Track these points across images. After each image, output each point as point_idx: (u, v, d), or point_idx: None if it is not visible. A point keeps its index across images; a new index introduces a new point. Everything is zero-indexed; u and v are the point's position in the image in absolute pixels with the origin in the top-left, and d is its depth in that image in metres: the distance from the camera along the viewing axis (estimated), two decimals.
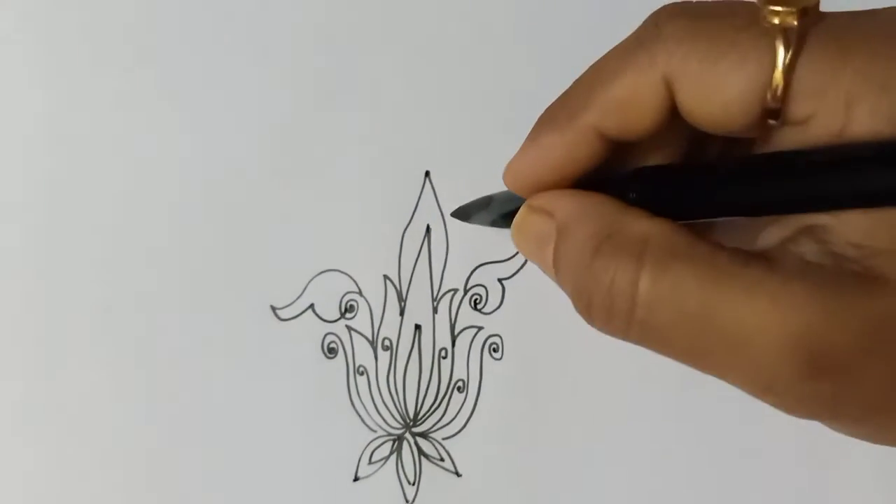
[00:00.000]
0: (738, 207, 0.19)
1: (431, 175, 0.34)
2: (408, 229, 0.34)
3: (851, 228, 0.17)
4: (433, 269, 0.34)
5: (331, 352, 0.34)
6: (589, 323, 0.20)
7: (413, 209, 0.34)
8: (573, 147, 0.20)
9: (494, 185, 0.32)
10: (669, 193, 0.20)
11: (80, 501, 0.33)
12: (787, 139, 0.18)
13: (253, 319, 0.34)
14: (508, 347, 0.34)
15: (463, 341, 0.34)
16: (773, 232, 0.18)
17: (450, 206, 0.34)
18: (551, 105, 0.21)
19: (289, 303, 0.34)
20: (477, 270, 0.34)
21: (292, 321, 0.34)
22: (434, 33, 0.34)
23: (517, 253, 0.34)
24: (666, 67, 0.18)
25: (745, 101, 0.18)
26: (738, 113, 0.18)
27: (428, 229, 0.34)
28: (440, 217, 0.34)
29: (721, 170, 0.19)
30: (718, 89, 0.18)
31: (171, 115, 0.34)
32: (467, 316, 0.34)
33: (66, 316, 0.33)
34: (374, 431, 0.34)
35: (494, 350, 0.34)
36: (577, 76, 0.21)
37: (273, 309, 0.34)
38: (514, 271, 0.34)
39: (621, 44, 0.20)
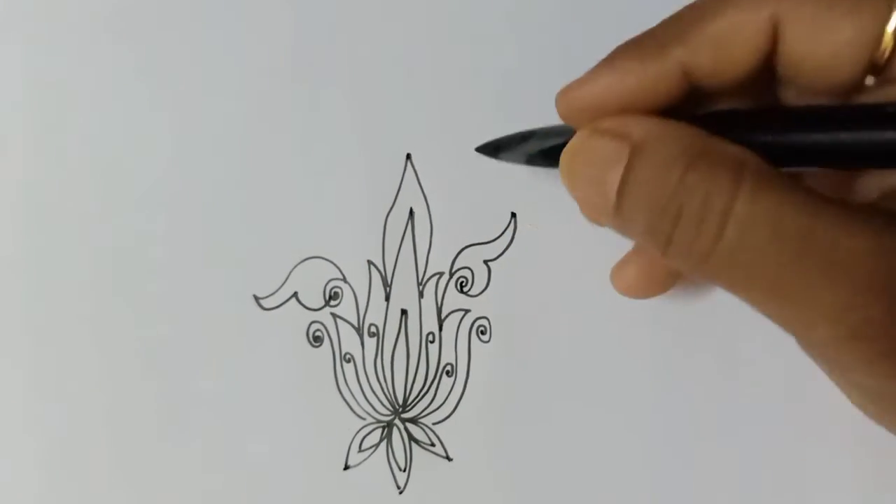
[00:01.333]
0: (829, 156, 0.18)
1: (413, 157, 0.33)
2: (391, 213, 0.33)
3: None
4: (417, 252, 0.33)
5: (316, 340, 0.33)
6: (663, 248, 0.18)
7: (395, 193, 0.33)
8: (653, 80, 0.19)
9: (478, 165, 0.32)
10: (759, 137, 0.19)
11: (66, 492, 0.33)
12: (881, 98, 0.17)
13: (236, 309, 0.33)
14: (496, 330, 0.34)
15: (450, 325, 0.33)
16: (867, 186, 0.18)
17: (432, 188, 0.33)
18: (637, 35, 0.20)
19: (272, 292, 0.33)
20: (462, 253, 0.33)
21: (276, 310, 0.33)
22: (414, 14, 0.33)
23: (502, 234, 0.33)
24: (777, 7, 0.18)
25: (854, 50, 0.17)
26: (845, 61, 0.17)
27: (411, 212, 0.33)
28: (423, 200, 0.33)
29: (811, 116, 0.18)
30: (830, 35, 0.17)
31: (149, 102, 0.33)
32: (454, 299, 0.33)
33: (48, 309, 0.33)
34: (363, 419, 0.33)
35: (482, 333, 0.33)
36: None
37: (256, 298, 0.33)
38: (499, 252, 0.33)
39: None
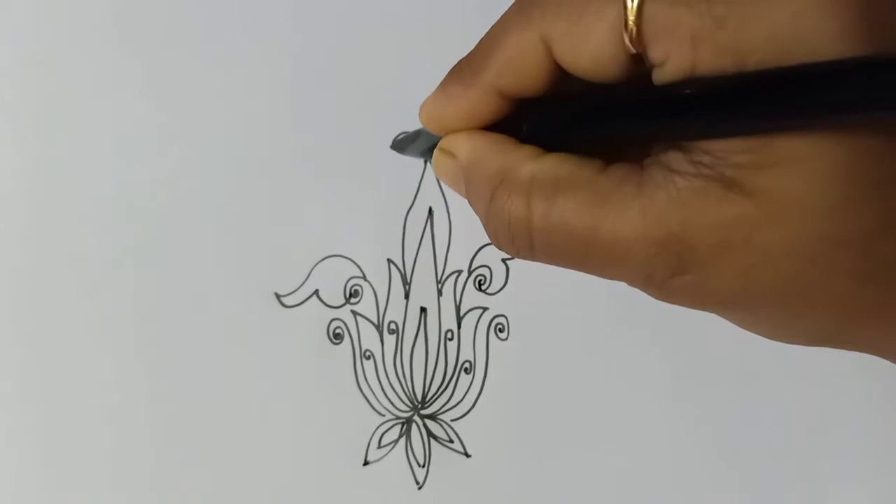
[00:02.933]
0: (609, 136, 0.21)
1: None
2: (410, 212, 0.34)
3: (710, 142, 0.19)
4: (437, 251, 0.34)
5: (336, 337, 0.34)
6: (502, 250, 0.22)
7: (415, 192, 0.34)
8: (476, 102, 0.22)
9: None
10: (556, 124, 0.22)
11: (91, 488, 0.33)
12: (657, 80, 0.20)
13: (258, 307, 0.33)
14: (514, 327, 0.34)
15: (468, 322, 0.34)
16: (655, 147, 0.20)
17: (451, 189, 0.34)
18: (462, 59, 0.23)
19: (293, 289, 0.34)
20: (481, 251, 0.34)
21: (297, 308, 0.34)
22: (433, 12, 0.34)
23: None
24: (541, 28, 0.20)
25: (609, 50, 0.19)
26: (606, 62, 0.20)
27: (430, 212, 0.34)
28: (442, 199, 0.34)
29: (598, 104, 0.21)
30: (585, 42, 0.20)
31: (172, 105, 0.33)
32: (472, 297, 0.34)
33: (68, 305, 0.33)
34: (383, 415, 0.34)
35: (500, 330, 0.34)
36: None
37: (277, 296, 0.34)
38: None
39: (508, 8, 0.22)
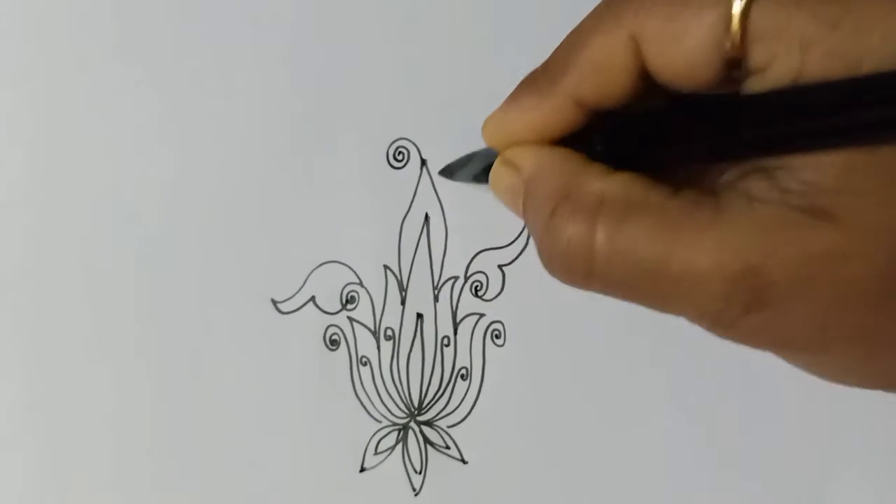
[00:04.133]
0: (696, 155, 0.20)
1: (428, 163, 0.34)
2: (406, 218, 0.34)
3: (799, 166, 0.17)
4: (433, 257, 0.34)
5: (333, 343, 0.34)
6: (551, 275, 0.21)
7: (411, 198, 0.34)
8: (551, 113, 0.21)
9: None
10: (634, 144, 0.20)
11: (86, 495, 0.33)
12: (751, 89, 0.18)
13: (254, 313, 0.33)
14: (510, 334, 0.34)
15: (465, 329, 0.34)
16: (732, 170, 0.19)
17: (447, 194, 0.34)
18: (535, 69, 0.22)
19: (289, 296, 0.34)
20: (477, 257, 0.34)
21: (293, 314, 0.34)
22: (433, 20, 0.34)
23: (517, 239, 0.34)
24: (632, 26, 0.19)
25: (706, 52, 0.18)
26: (701, 65, 0.18)
27: (426, 218, 0.34)
28: (438, 205, 0.34)
29: (680, 119, 0.20)
30: (680, 42, 0.18)
31: (169, 109, 0.33)
32: (468, 303, 0.34)
33: (66, 312, 0.33)
34: (379, 422, 0.34)
35: (496, 337, 0.34)
36: None
37: (274, 302, 0.34)
38: (514, 257, 0.34)
39: (595, 7, 0.20)
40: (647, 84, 0.20)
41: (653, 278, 0.19)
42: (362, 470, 0.34)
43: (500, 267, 0.34)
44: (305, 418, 0.33)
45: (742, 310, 0.18)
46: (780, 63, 0.17)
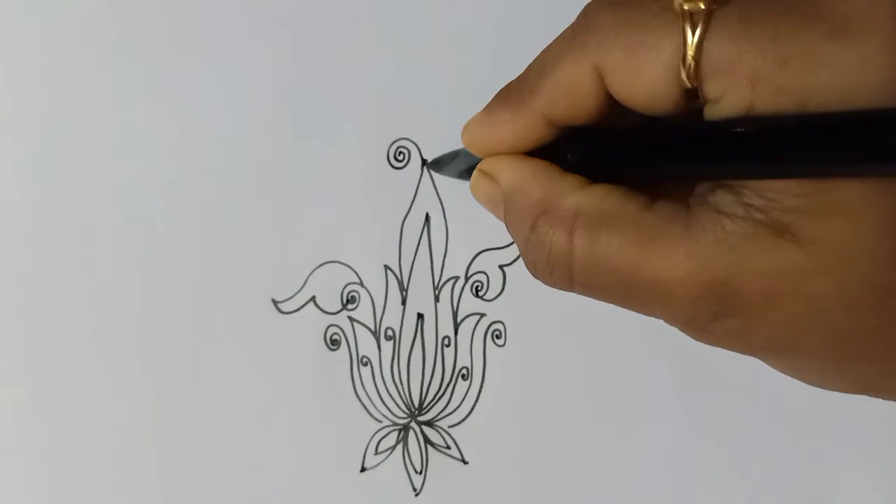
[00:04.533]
0: (659, 173, 0.21)
1: (429, 164, 0.34)
2: (407, 219, 0.34)
3: (763, 184, 0.18)
4: (434, 257, 0.34)
5: (334, 343, 0.34)
6: (538, 280, 0.22)
7: (412, 199, 0.34)
8: (523, 128, 0.22)
9: None
10: (604, 159, 0.22)
11: (86, 497, 0.33)
12: (709, 116, 0.19)
13: (254, 313, 0.33)
14: (511, 334, 0.34)
15: (465, 329, 0.34)
16: (703, 184, 0.20)
17: (448, 194, 0.34)
18: (509, 83, 0.23)
19: (290, 296, 0.34)
20: (477, 258, 0.34)
21: (294, 314, 0.34)
22: (434, 21, 0.34)
23: None
24: (595, 57, 0.20)
25: (665, 84, 0.19)
26: (660, 95, 0.19)
27: (427, 218, 0.34)
28: (439, 205, 0.34)
29: (645, 139, 0.21)
30: (640, 74, 0.19)
31: (168, 108, 0.33)
32: (469, 303, 0.34)
33: (67, 312, 0.33)
34: (380, 422, 0.34)
35: (497, 337, 0.34)
36: None
37: (274, 302, 0.34)
38: (514, 257, 0.34)
39: (562, 33, 0.21)
40: (615, 105, 0.21)
41: (628, 285, 0.20)
42: (363, 470, 0.34)
43: (500, 267, 0.34)
44: (306, 418, 0.33)
45: (710, 317, 0.19)
46: (731, 97, 0.18)
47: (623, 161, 0.21)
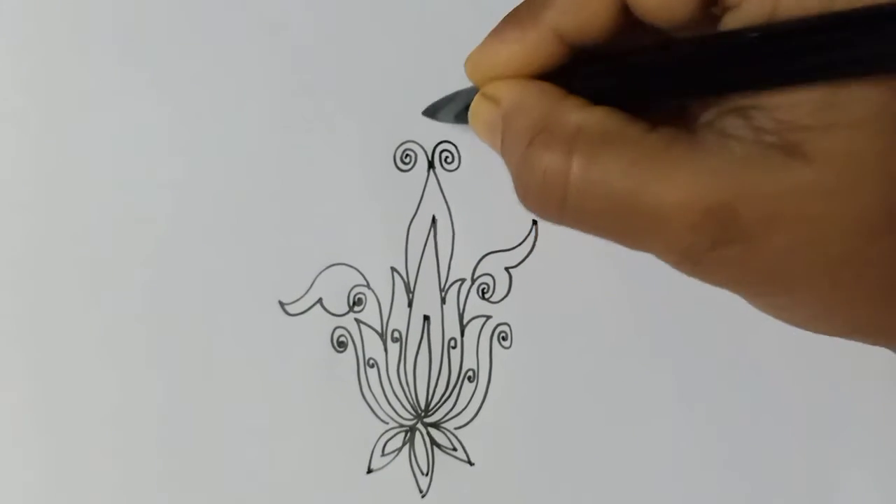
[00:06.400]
0: (672, 91, 0.20)
1: (435, 167, 0.34)
2: (413, 221, 0.34)
3: (775, 104, 0.17)
4: (440, 259, 0.34)
5: (340, 345, 0.34)
6: (526, 208, 0.21)
7: (418, 201, 0.34)
8: (533, 46, 0.21)
9: (500, 173, 0.32)
10: (612, 80, 0.20)
11: (93, 495, 0.33)
12: (728, 25, 0.18)
13: (261, 315, 0.34)
14: (517, 336, 0.34)
15: (472, 331, 0.34)
16: (710, 110, 0.19)
17: (454, 196, 0.34)
18: (518, 5, 0.22)
19: (297, 298, 0.34)
20: (484, 260, 0.34)
21: (301, 316, 0.34)
22: (440, 22, 0.34)
23: (524, 241, 0.34)
24: None
25: None
26: (677, 2, 0.19)
27: (434, 220, 0.34)
28: (446, 208, 0.34)
29: (657, 56, 0.20)
30: None
31: (175, 112, 0.34)
32: (475, 305, 0.34)
33: (72, 313, 0.33)
34: (386, 423, 0.34)
35: (503, 339, 0.34)
36: None
37: (281, 304, 0.34)
38: (520, 259, 0.34)
39: None
40: (628, 20, 0.20)
41: (624, 211, 0.19)
42: (369, 471, 0.34)
43: (507, 269, 0.34)
44: (312, 420, 0.34)
45: (710, 244, 0.18)
46: (754, 1, 0.18)
47: (634, 82, 0.20)
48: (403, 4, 0.34)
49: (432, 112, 0.30)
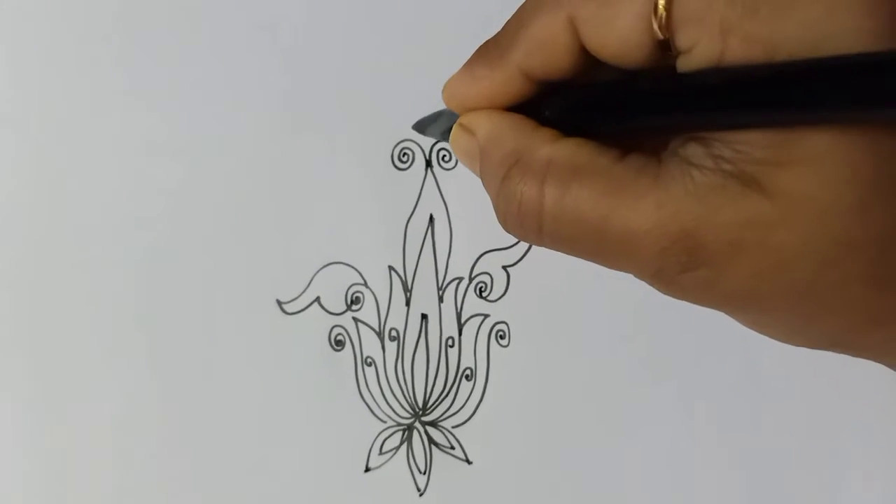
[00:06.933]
0: (634, 126, 0.21)
1: (433, 165, 0.34)
2: (411, 220, 0.34)
3: (732, 136, 0.18)
4: (437, 258, 0.34)
5: (338, 344, 0.34)
6: (508, 233, 0.22)
7: (416, 200, 0.34)
8: (501, 83, 0.22)
9: None
10: (579, 113, 0.22)
11: (89, 494, 0.33)
12: (682, 68, 0.19)
13: (259, 314, 0.34)
14: (515, 334, 0.34)
15: (469, 329, 0.34)
16: (677, 137, 0.20)
17: (452, 195, 0.34)
18: (488, 39, 0.23)
19: (295, 297, 0.34)
20: (481, 259, 0.34)
21: (299, 315, 0.34)
22: (438, 22, 0.34)
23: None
24: (569, 9, 0.20)
25: (637, 36, 0.19)
26: (633, 47, 0.20)
27: (431, 219, 0.34)
28: (443, 206, 0.34)
29: (619, 92, 0.21)
30: (612, 26, 0.20)
31: (174, 112, 0.34)
32: (473, 304, 0.34)
33: (69, 314, 0.33)
34: (384, 422, 0.34)
35: (501, 337, 0.34)
36: None
37: (279, 303, 0.34)
38: (518, 258, 0.34)
39: None
40: (590, 60, 0.21)
41: (596, 237, 0.20)
42: (367, 470, 0.34)
43: (504, 268, 0.34)
44: (310, 418, 0.34)
45: (678, 269, 0.19)
46: (702, 47, 0.18)
47: (598, 115, 0.22)
48: (400, 5, 0.34)
49: (421, 128, 0.31)
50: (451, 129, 0.26)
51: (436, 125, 0.28)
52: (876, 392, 0.34)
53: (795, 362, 0.34)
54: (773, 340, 0.31)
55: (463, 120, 0.24)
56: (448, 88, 0.24)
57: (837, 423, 0.34)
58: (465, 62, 0.23)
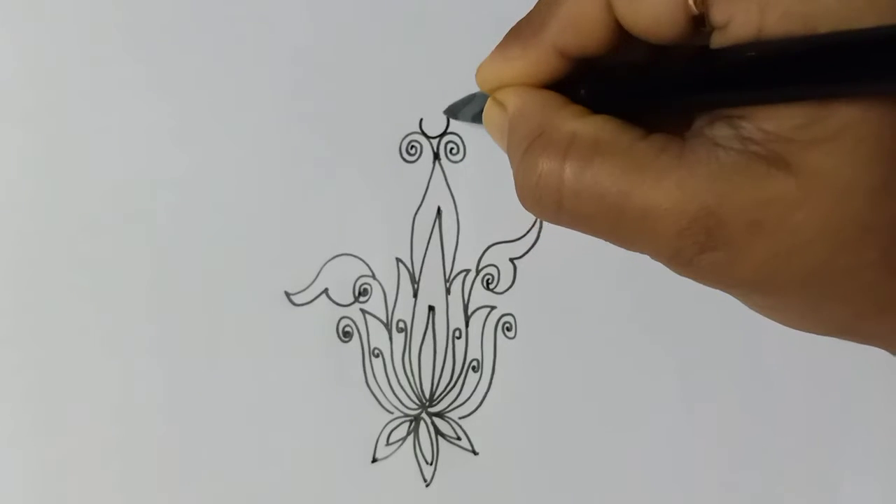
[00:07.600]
0: (667, 103, 0.21)
1: (440, 158, 0.34)
2: (419, 212, 0.34)
3: (762, 115, 0.18)
4: (445, 250, 0.34)
5: (346, 335, 0.34)
6: (526, 209, 0.22)
7: (423, 192, 0.34)
8: (535, 62, 0.22)
9: (504, 165, 0.32)
10: (613, 90, 0.22)
11: (102, 481, 0.34)
12: (716, 44, 0.19)
13: (267, 306, 0.34)
14: (521, 326, 0.34)
15: (476, 321, 0.34)
16: (703, 117, 0.20)
17: (459, 188, 0.34)
18: (521, 19, 0.23)
19: (303, 288, 0.34)
20: (488, 251, 0.34)
21: (307, 306, 0.34)
22: (447, 15, 0.34)
23: (528, 232, 0.34)
24: None
25: (671, 11, 0.19)
26: (667, 22, 0.19)
27: (439, 211, 0.34)
28: (451, 199, 0.34)
29: (653, 70, 0.21)
30: (647, 1, 0.19)
31: (182, 105, 0.34)
32: (480, 296, 0.34)
33: (75, 306, 0.33)
34: (391, 413, 0.34)
35: (508, 329, 0.34)
36: None
37: (287, 295, 0.34)
38: (525, 250, 0.34)
39: None
40: (625, 36, 0.21)
41: (615, 215, 0.20)
42: (374, 461, 0.34)
43: (511, 260, 0.34)
44: (317, 410, 0.34)
45: (697, 249, 0.19)
46: (738, 22, 0.18)
47: (633, 92, 0.21)
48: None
49: (453, 112, 0.31)
50: (482, 111, 0.26)
51: (467, 109, 0.28)
52: (877, 392, 0.34)
53: (797, 361, 0.34)
54: (776, 339, 0.31)
55: (496, 94, 0.23)
56: (481, 71, 0.24)
57: (837, 422, 0.34)
58: (496, 45, 0.23)
